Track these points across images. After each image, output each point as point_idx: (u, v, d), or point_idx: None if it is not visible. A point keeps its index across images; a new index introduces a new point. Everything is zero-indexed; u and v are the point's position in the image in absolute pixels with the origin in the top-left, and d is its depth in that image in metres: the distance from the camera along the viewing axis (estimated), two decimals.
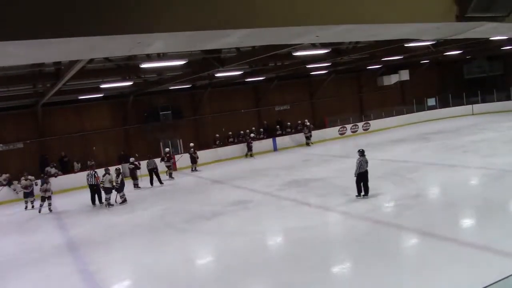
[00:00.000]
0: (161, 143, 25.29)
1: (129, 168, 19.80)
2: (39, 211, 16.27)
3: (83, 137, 24.01)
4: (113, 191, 16.04)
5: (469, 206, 11.08)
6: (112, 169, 16.73)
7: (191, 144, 23.53)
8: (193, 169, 23.15)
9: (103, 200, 16.27)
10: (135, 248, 10.84)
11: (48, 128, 22.96)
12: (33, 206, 17.32)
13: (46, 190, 16.18)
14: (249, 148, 25.69)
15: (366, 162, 12.71)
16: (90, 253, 10.86)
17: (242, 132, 27.26)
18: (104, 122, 24.77)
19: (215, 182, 19.08)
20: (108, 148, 24.43)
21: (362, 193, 12.73)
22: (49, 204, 16.42)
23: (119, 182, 16.31)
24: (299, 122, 28.52)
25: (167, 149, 22.56)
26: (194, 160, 23.14)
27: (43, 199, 16.30)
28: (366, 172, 12.69)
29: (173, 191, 18.44)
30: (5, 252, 11.95)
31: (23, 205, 17.75)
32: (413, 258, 8.23)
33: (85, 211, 15.79)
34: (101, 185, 16.08)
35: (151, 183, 19.96)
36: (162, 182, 20.12)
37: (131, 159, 19.77)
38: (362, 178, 12.72)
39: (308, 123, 28.03)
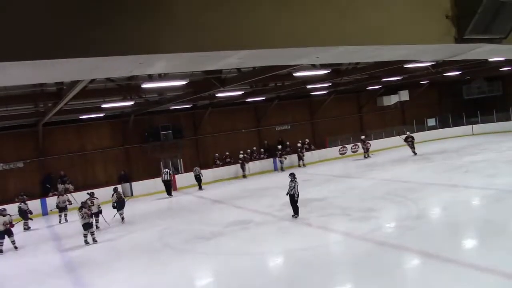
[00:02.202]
0: (161, 163, 25.29)
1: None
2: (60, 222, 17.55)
3: (84, 156, 24.01)
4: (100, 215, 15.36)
5: (471, 227, 11.01)
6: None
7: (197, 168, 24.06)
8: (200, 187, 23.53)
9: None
10: (134, 268, 10.72)
11: (49, 148, 22.97)
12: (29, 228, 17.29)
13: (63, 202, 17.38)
14: (243, 169, 25.67)
15: (296, 186, 13.45)
16: (89, 274, 10.75)
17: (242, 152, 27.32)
18: (104, 141, 24.79)
19: (215, 202, 18.99)
20: (108, 167, 24.42)
21: (295, 215, 13.50)
22: (65, 215, 17.70)
23: (114, 201, 16.40)
24: (301, 142, 28.54)
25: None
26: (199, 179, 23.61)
27: (60, 210, 17.70)
28: (292, 196, 13.46)
29: (172, 211, 18.37)
30: (3, 273, 11.84)
31: (21, 226, 17.61)
32: (415, 280, 8.13)
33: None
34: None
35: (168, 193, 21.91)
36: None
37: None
38: (291, 200, 13.53)
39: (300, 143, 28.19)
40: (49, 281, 10.47)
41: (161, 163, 25.25)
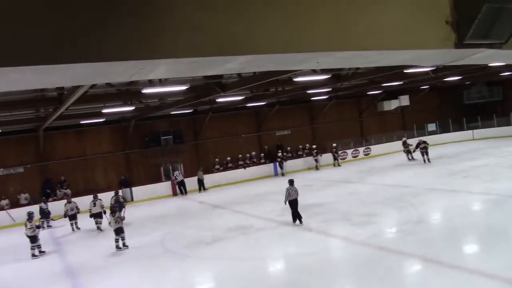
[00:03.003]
0: (162, 168, 25.31)
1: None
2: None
3: (84, 161, 24.01)
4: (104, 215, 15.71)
5: (472, 232, 10.99)
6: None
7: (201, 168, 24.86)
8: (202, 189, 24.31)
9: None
10: (135, 274, 10.70)
11: (50, 153, 23.00)
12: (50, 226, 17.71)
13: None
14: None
15: (296, 191, 13.34)
16: (89, 280, 10.72)
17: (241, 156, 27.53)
18: (105, 146, 24.82)
19: (215, 207, 18.97)
20: (108, 172, 24.43)
21: (297, 222, 13.31)
22: (76, 223, 17.01)
23: (112, 202, 16.83)
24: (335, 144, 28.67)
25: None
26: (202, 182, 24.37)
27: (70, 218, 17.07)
28: (296, 200, 13.31)
29: (173, 216, 18.34)
30: (3, 278, 11.81)
31: (21, 231, 17.63)
32: (415, 285, 8.11)
33: (84, 237, 15.64)
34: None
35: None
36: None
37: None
38: (292, 206, 13.32)
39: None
40: (49, 287, 10.45)
41: (162, 168, 25.27)
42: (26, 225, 13.51)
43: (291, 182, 13.51)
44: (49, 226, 18.38)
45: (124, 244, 13.00)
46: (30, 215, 13.40)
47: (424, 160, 23.54)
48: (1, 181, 21.78)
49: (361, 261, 9.50)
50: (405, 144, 26.22)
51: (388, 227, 12.26)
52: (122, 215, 12.90)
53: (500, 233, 10.15)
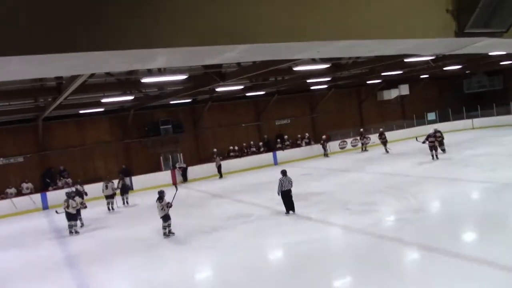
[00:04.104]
0: (161, 157, 25.33)
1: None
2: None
3: (84, 151, 24.02)
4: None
5: (471, 220, 11.03)
6: None
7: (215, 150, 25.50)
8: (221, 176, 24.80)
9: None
10: (134, 263, 10.75)
11: (49, 142, 23.00)
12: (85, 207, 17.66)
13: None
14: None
15: (289, 181, 13.31)
16: (89, 268, 10.78)
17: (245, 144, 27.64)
18: (104, 136, 24.82)
19: (215, 196, 19.02)
20: (108, 162, 24.45)
21: (291, 211, 13.35)
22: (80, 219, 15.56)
23: (119, 186, 19.06)
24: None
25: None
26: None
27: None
28: (289, 191, 13.33)
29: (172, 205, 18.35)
30: (4, 266, 11.88)
31: (23, 219, 17.82)
32: (415, 273, 8.16)
33: (84, 226, 15.69)
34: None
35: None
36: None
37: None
38: (285, 197, 13.33)
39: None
40: (49, 275, 10.51)
41: (161, 157, 25.31)
42: (69, 205, 14.44)
43: (284, 172, 13.40)
44: (85, 207, 18.25)
45: (170, 232, 12.65)
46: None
47: (433, 156, 20.65)
48: (1, 170, 21.80)
49: (360, 249, 9.55)
50: (381, 135, 26.23)
51: (387, 216, 12.30)
52: (170, 202, 12.59)
53: (500, 222, 10.20)
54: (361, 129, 29.46)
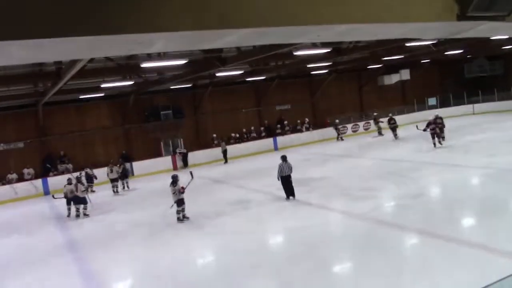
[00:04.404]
0: (161, 142, 25.35)
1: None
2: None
3: (84, 136, 24.03)
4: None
5: (471, 206, 11.06)
6: None
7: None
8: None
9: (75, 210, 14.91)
10: (136, 247, 10.83)
11: (49, 128, 23.00)
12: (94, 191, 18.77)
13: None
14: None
15: (289, 167, 13.30)
16: (91, 253, 10.87)
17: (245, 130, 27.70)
18: (104, 121, 24.80)
19: (216, 182, 19.07)
20: (108, 147, 24.46)
21: (291, 197, 13.38)
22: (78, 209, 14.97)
23: (120, 171, 19.11)
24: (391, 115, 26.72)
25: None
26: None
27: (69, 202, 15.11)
28: (289, 176, 13.33)
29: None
30: (6, 251, 11.98)
31: (24, 205, 17.98)
32: (414, 258, 8.21)
33: (87, 211, 15.75)
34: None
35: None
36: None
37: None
38: (284, 182, 13.33)
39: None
40: (51, 259, 10.59)
41: (161, 142, 25.32)
42: (78, 188, 14.65)
43: (284, 158, 13.39)
44: (92, 191, 19.18)
45: (184, 216, 12.61)
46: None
47: (435, 144, 19.91)
48: (2, 156, 21.84)
49: (360, 235, 9.60)
50: (391, 121, 25.62)
51: (387, 201, 12.35)
52: (184, 187, 12.56)
53: (500, 207, 10.23)
54: (375, 113, 28.86)
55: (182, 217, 12.60)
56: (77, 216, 14.72)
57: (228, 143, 26.35)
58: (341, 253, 8.94)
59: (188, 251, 10.25)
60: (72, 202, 14.75)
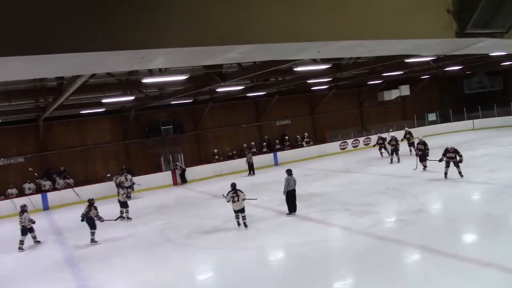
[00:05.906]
0: (162, 158, 25.33)
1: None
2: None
3: (84, 151, 24.01)
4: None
5: (471, 221, 11.01)
6: None
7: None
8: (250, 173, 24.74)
9: None
10: (135, 263, 10.76)
11: (49, 143, 22.99)
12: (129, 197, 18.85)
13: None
14: None
15: (294, 181, 13.29)
16: (89, 268, 10.79)
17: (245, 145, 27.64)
18: (105, 136, 24.80)
19: (216, 197, 18.98)
20: (109, 162, 24.43)
21: (293, 212, 13.32)
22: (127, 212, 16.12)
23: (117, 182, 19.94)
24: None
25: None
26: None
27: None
28: (294, 190, 13.26)
29: (173, 206, 18.38)
30: (5, 267, 11.87)
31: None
32: (415, 274, 8.15)
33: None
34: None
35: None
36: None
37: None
38: (289, 197, 13.29)
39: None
40: (50, 275, 10.53)
41: (162, 158, 25.30)
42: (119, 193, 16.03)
43: (289, 172, 13.44)
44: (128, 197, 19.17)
45: (245, 223, 12.58)
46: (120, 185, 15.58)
47: (446, 174, 15.97)
48: (2, 171, 21.80)
49: (360, 251, 9.55)
50: (380, 140, 24.43)
51: (387, 217, 12.30)
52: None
53: (500, 223, 10.20)
54: (406, 128, 25.14)
55: (244, 225, 12.52)
56: (122, 218, 15.68)
57: (229, 158, 26.37)
58: (341, 269, 8.88)
59: (188, 266, 10.19)
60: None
